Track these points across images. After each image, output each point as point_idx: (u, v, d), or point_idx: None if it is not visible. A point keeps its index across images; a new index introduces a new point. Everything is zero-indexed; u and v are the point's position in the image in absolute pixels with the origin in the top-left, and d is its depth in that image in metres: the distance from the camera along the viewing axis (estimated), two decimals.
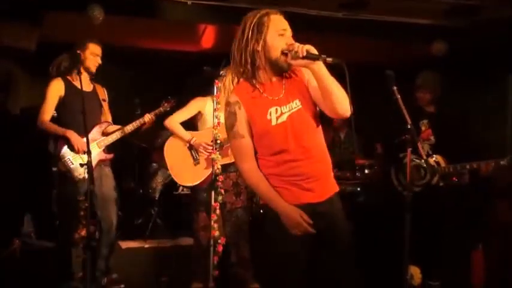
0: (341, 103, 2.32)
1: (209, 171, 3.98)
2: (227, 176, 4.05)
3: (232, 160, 3.94)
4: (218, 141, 3.79)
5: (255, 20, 2.34)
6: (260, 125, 2.41)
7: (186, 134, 4.12)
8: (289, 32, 2.38)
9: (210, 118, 4.06)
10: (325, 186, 2.48)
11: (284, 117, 2.40)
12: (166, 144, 4.23)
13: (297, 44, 2.31)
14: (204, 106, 4.15)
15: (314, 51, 2.28)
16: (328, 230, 2.43)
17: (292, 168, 2.40)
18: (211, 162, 3.85)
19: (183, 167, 4.12)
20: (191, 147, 4.12)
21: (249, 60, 2.36)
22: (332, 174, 2.55)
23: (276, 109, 2.40)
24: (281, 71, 2.42)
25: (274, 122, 2.40)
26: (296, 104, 2.42)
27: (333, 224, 2.46)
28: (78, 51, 4.06)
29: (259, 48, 2.34)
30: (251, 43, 2.34)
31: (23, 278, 4.25)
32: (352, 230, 2.68)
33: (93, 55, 4.14)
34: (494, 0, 4.62)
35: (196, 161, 4.12)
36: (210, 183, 3.83)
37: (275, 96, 2.42)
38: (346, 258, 2.49)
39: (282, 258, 2.42)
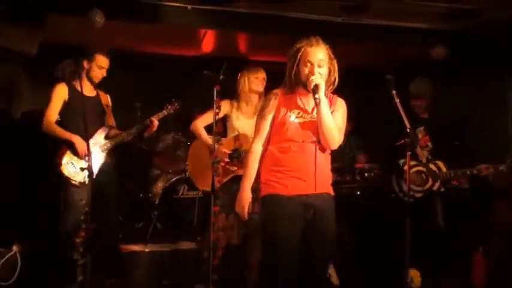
0: (329, 137, 2.94)
1: (225, 179, 3.97)
2: None
3: None
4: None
5: (294, 50, 3.02)
6: (281, 116, 3.03)
7: (208, 139, 4.07)
8: (316, 63, 2.94)
9: (234, 122, 4.07)
10: (318, 183, 2.95)
11: (300, 120, 3.01)
12: (191, 146, 4.33)
13: (312, 77, 2.92)
14: (228, 109, 4.12)
15: (319, 88, 2.88)
16: (314, 221, 2.94)
17: (292, 158, 2.96)
18: (227, 171, 3.85)
19: (203, 172, 4.06)
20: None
21: (287, 79, 3.06)
22: (329, 181, 3.03)
23: (299, 112, 3.04)
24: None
25: (292, 119, 3.01)
26: (315, 117, 2.99)
27: (319, 217, 2.94)
28: (84, 59, 4.08)
29: (293, 72, 3.02)
30: (289, 66, 3.04)
31: (25, 280, 4.26)
32: (352, 232, 2.77)
33: (98, 67, 4.17)
34: (493, 3, 4.63)
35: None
36: (225, 185, 3.84)
37: (303, 105, 3.06)
38: (326, 251, 2.99)
39: (283, 235, 2.91)
